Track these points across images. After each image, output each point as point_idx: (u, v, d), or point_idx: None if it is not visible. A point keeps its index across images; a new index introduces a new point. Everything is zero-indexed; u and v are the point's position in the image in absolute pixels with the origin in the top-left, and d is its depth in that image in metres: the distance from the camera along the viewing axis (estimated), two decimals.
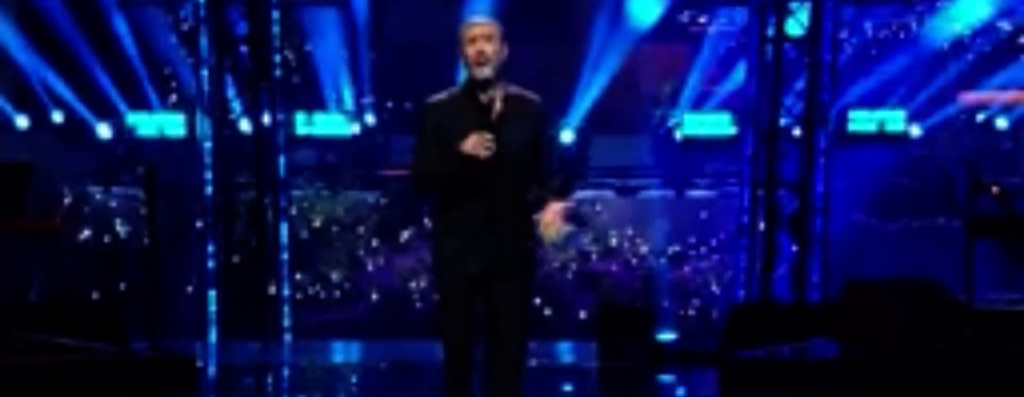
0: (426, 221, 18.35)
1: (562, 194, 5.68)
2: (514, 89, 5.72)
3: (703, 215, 19.46)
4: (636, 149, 18.93)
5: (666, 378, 11.72)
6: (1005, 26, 18.13)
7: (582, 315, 19.05)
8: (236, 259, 15.94)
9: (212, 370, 12.01)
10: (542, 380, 10.90)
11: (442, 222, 5.70)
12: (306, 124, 17.39)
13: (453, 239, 5.65)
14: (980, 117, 17.99)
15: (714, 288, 19.43)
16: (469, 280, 5.64)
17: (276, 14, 16.02)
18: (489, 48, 5.59)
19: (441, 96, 5.73)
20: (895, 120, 16.97)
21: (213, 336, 15.69)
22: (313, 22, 18.11)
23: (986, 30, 17.89)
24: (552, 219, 5.60)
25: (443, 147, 5.57)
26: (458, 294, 5.66)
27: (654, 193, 19.03)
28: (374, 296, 19.58)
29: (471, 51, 5.60)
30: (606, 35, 17.49)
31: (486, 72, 5.60)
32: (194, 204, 16.00)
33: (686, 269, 19.69)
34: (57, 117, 17.84)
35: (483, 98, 5.64)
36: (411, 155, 5.73)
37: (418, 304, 19.35)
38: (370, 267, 19.84)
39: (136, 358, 10.04)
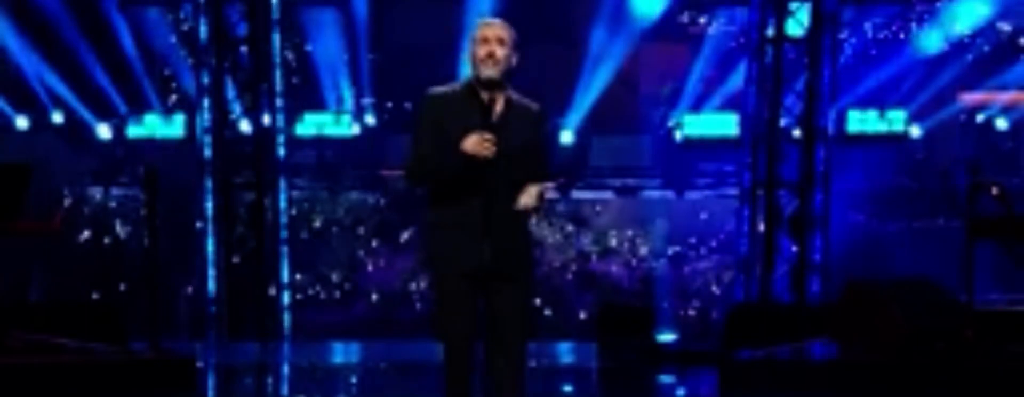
0: None
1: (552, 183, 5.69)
2: (516, 95, 5.73)
3: (703, 215, 19.47)
4: (636, 149, 18.93)
5: (666, 378, 11.72)
6: (1005, 26, 18.14)
7: (582, 315, 19.06)
8: (236, 259, 15.95)
9: (212, 370, 12.01)
10: (542, 380, 10.90)
11: (439, 218, 5.69)
12: (306, 125, 17.40)
13: (450, 238, 5.65)
14: (980, 117, 17.99)
15: (714, 288, 19.44)
16: (467, 279, 5.64)
17: (276, 14, 16.03)
18: (499, 51, 5.60)
19: (443, 89, 5.73)
20: (895, 120, 16.96)
21: (213, 336, 15.69)
22: (313, 22, 18.12)
23: (986, 30, 17.90)
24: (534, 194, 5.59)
25: (442, 142, 5.57)
26: (457, 293, 5.66)
27: (654, 193, 19.03)
28: (374, 297, 19.59)
29: (481, 51, 5.61)
30: (606, 35, 17.50)
31: (491, 72, 5.61)
32: (194, 204, 16.00)
33: (686, 270, 19.71)
34: (57, 117, 17.84)
35: (484, 97, 5.65)
36: (409, 145, 5.73)
37: (418, 305, 19.36)
38: (370, 268, 19.85)
39: (136, 358, 10.03)
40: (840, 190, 15.88)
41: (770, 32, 15.44)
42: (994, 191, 10.03)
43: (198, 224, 15.94)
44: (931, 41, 17.64)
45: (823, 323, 10.64)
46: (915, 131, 17.31)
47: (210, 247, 15.83)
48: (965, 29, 17.83)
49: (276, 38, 16.08)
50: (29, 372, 9.27)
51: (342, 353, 14.61)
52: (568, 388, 11.12)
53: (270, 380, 11.76)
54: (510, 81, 5.70)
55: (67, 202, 18.28)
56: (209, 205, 15.85)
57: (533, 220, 5.69)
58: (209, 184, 15.86)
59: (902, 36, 18.25)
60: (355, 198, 19.92)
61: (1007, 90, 17.73)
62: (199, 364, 11.41)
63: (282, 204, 16.13)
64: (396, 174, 18.60)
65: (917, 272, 14.09)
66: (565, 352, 13.89)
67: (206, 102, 15.88)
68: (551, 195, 5.60)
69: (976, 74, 17.98)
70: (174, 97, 18.43)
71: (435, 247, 5.69)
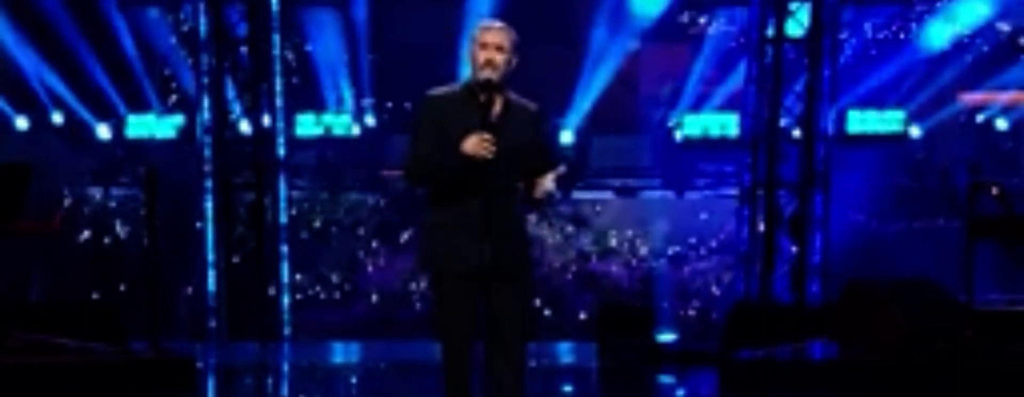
0: None
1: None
2: (514, 96, 5.75)
3: (703, 216, 19.47)
4: (636, 149, 18.93)
5: (666, 378, 11.72)
6: (1005, 27, 18.13)
7: (582, 315, 19.06)
8: (236, 259, 15.95)
9: (212, 370, 12.01)
10: (542, 380, 10.90)
11: (438, 219, 5.69)
12: (306, 125, 17.39)
13: (450, 238, 5.65)
14: (980, 117, 17.98)
15: (714, 289, 19.44)
16: (467, 279, 5.64)
17: (276, 14, 16.03)
18: (499, 57, 5.62)
19: (442, 90, 5.74)
20: (895, 120, 16.96)
21: (213, 336, 15.68)
22: (313, 22, 18.11)
23: (986, 30, 17.89)
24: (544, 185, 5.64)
25: (441, 142, 5.58)
26: (457, 293, 5.65)
27: (654, 194, 19.03)
28: (374, 297, 19.59)
29: (481, 56, 5.62)
30: (606, 35, 17.49)
31: (490, 75, 5.62)
32: (194, 204, 16.00)
33: (686, 270, 19.70)
34: (57, 118, 17.84)
35: (483, 97, 5.65)
36: (407, 144, 5.73)
37: (418, 305, 19.36)
38: (370, 268, 19.85)
39: (136, 358, 10.04)
40: (840, 190, 15.87)
41: (770, 32, 15.43)
42: (994, 191, 10.04)
43: (198, 224, 15.94)
44: (937, 36, 17.63)
45: (823, 323, 10.65)
46: (915, 131, 17.30)
47: (210, 247, 15.83)
48: (965, 29, 17.83)
49: (276, 38, 16.08)
50: (29, 372, 9.27)
51: (342, 353, 14.62)
52: (568, 388, 11.12)
53: (270, 380, 11.77)
54: (509, 83, 5.72)
55: (67, 202, 18.28)
56: (209, 205, 15.85)
57: (533, 219, 5.73)
58: (209, 184, 15.86)
59: (902, 36, 18.25)
60: (355, 198, 19.92)
61: (1007, 90, 17.72)
62: (199, 364, 11.42)
63: (282, 204, 16.13)
64: (396, 174, 18.58)
65: (917, 272, 14.08)
66: (565, 352, 13.89)
67: (206, 102, 15.88)
68: (549, 185, 5.61)
69: (976, 74, 17.98)
70: (174, 97, 18.42)
71: (435, 247, 5.69)
